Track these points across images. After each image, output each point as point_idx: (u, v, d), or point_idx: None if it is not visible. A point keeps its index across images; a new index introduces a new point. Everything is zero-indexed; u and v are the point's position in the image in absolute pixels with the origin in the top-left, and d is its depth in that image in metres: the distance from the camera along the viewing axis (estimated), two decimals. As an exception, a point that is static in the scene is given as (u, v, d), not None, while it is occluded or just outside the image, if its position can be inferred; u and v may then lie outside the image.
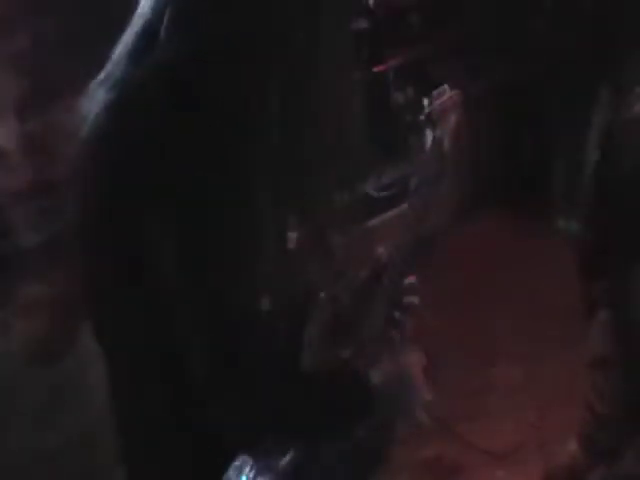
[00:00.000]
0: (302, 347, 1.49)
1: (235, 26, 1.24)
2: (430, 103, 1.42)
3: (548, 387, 3.52)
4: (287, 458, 1.49)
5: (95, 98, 1.31)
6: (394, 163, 4.14)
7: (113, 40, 1.35)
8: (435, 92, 1.42)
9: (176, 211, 1.23)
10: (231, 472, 1.42)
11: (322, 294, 1.54)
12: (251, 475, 1.45)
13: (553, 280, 4.15)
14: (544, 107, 4.62)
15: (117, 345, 1.41)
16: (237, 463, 1.43)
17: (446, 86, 1.44)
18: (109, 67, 1.33)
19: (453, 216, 4.82)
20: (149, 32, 1.29)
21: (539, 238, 4.62)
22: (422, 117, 1.42)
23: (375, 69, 3.85)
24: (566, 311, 3.81)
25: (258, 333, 1.31)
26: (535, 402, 3.50)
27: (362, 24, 3.78)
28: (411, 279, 1.65)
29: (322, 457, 1.54)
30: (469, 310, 4.16)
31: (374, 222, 3.98)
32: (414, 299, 1.65)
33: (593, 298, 2.49)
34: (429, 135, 1.42)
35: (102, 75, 1.33)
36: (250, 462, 1.45)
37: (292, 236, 1.43)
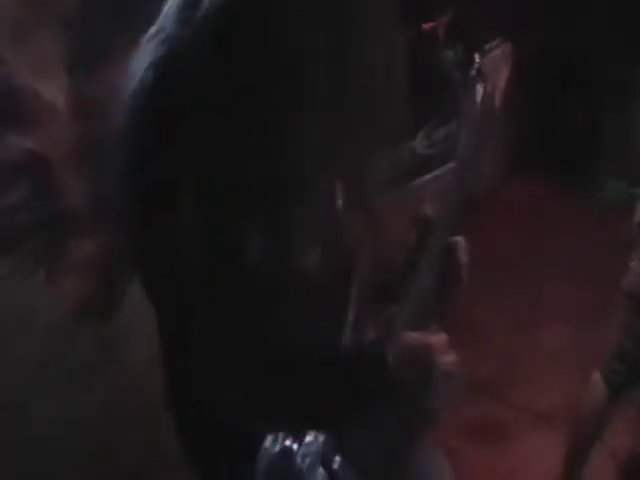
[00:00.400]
0: (344, 311, 1.48)
1: None
2: (482, 56, 1.41)
3: (593, 350, 3.50)
4: None
5: (144, 53, 1.31)
6: (443, 120, 4.11)
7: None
8: (487, 46, 1.41)
9: (218, 169, 1.23)
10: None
11: (366, 255, 1.53)
12: (287, 442, 1.47)
13: (599, 244, 4.13)
14: (593, 73, 4.57)
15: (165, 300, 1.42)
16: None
17: (497, 41, 1.42)
18: (159, 22, 1.32)
19: (501, 176, 4.79)
20: None
21: (582, 203, 4.59)
22: (473, 72, 1.41)
23: (424, 26, 3.82)
24: (611, 275, 3.79)
25: (305, 294, 1.32)
26: (580, 365, 3.48)
27: (411, -18, 3.75)
28: (459, 239, 1.63)
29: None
30: (514, 273, 4.14)
31: (422, 180, 3.98)
32: (462, 259, 1.63)
33: (632, 235, 2.51)
34: (480, 90, 1.41)
35: (152, 30, 1.32)
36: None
37: (338, 195, 1.42)
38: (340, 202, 1.44)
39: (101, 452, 2.96)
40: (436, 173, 3.79)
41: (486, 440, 3.29)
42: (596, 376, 2.72)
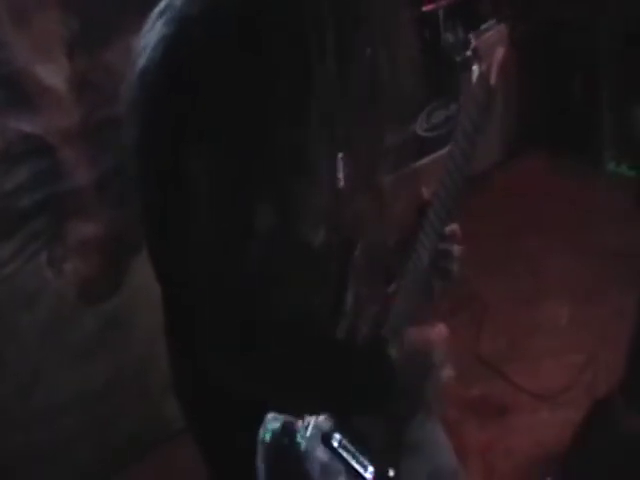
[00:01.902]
0: (347, 282, 1.50)
1: None
2: (477, 37, 1.41)
3: (594, 329, 3.51)
4: None
5: (153, 30, 1.30)
6: (444, 103, 4.11)
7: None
8: (482, 26, 1.41)
9: (227, 144, 1.24)
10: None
11: (366, 234, 1.54)
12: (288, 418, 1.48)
13: (601, 222, 4.13)
14: (596, 45, 4.55)
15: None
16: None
17: (493, 20, 1.42)
18: (165, 1, 1.32)
19: (501, 154, 4.79)
20: None
21: (585, 180, 4.59)
22: (469, 52, 1.41)
23: (425, 8, 3.82)
24: (613, 253, 3.80)
25: (311, 267, 1.33)
26: (581, 344, 3.50)
27: (412, -36, 3.75)
28: (454, 227, 1.63)
29: None
30: (516, 250, 4.15)
31: (423, 162, 3.98)
32: (455, 248, 1.64)
33: None
34: (475, 70, 1.41)
35: (161, 5, 1.32)
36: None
37: (342, 173, 1.43)
38: (344, 180, 1.45)
39: (106, 426, 2.99)
40: (436, 156, 3.80)
41: (485, 416, 3.30)
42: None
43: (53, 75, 2.64)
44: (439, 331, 1.49)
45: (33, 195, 2.68)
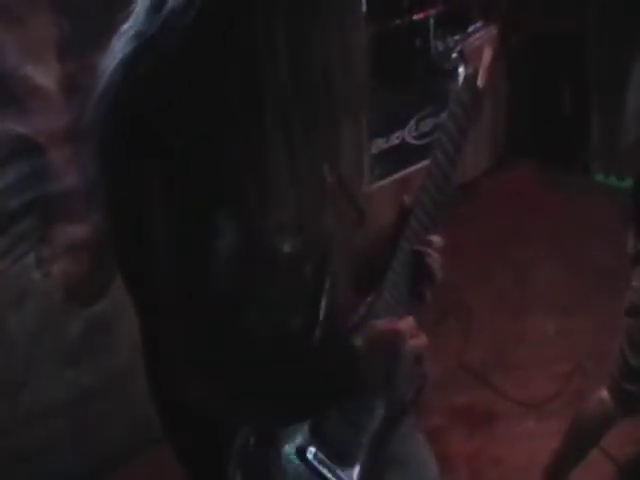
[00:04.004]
0: (321, 292, 1.49)
1: None
2: (463, 40, 1.42)
3: (580, 339, 3.53)
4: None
5: (114, 50, 1.31)
6: (433, 111, 4.13)
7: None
8: (469, 29, 1.42)
9: (184, 160, 1.24)
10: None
11: (342, 243, 1.53)
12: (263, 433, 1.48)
13: (587, 233, 4.15)
14: (583, 57, 4.57)
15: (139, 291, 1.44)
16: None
17: (479, 24, 1.43)
18: (129, 20, 1.33)
19: (489, 163, 4.81)
20: None
21: (573, 191, 4.61)
22: (454, 55, 1.41)
23: (415, 17, 3.84)
24: (600, 264, 3.81)
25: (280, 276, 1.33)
26: (568, 354, 3.51)
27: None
28: (435, 237, 1.62)
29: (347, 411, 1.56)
30: (503, 260, 4.16)
31: (412, 169, 4.00)
32: (436, 256, 1.63)
33: (638, 250, 2.45)
34: (462, 72, 1.42)
35: (123, 28, 1.33)
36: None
37: (319, 181, 1.43)
38: (322, 188, 1.45)
39: (92, 430, 2.98)
40: (425, 163, 3.80)
41: (472, 425, 3.31)
42: (604, 395, 2.63)
43: (43, 76, 2.64)
44: (407, 321, 1.48)
45: (21, 196, 2.68)
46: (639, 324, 2.48)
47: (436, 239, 1.60)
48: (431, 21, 3.90)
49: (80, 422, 2.95)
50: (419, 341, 1.45)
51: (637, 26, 3.80)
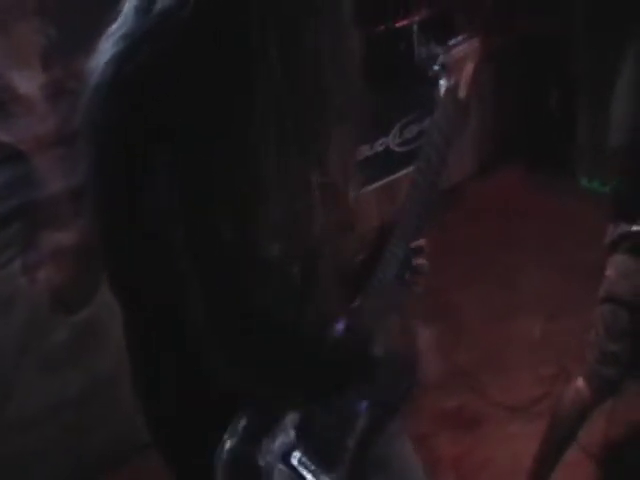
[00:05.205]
0: (309, 299, 1.50)
1: None
2: (445, 52, 1.42)
3: (566, 342, 3.53)
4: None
5: (103, 50, 1.32)
6: (417, 117, 4.13)
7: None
8: (451, 41, 1.42)
9: (181, 156, 1.25)
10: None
11: (330, 246, 1.53)
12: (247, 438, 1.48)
13: (574, 236, 4.16)
14: (571, 61, 4.58)
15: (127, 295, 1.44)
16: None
17: (462, 35, 1.44)
18: (118, 20, 1.34)
19: (476, 167, 4.82)
20: None
21: (560, 194, 4.62)
22: (437, 67, 1.42)
23: (398, 24, 3.85)
24: (586, 268, 3.82)
25: (266, 279, 1.34)
26: (554, 357, 3.52)
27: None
28: (420, 242, 1.64)
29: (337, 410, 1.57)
30: (490, 263, 4.17)
31: (396, 176, 4.00)
32: (422, 262, 1.64)
33: (612, 240, 2.52)
34: (444, 84, 1.42)
35: (112, 28, 1.33)
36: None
37: (308, 184, 1.43)
38: (311, 192, 1.45)
39: (79, 438, 2.97)
40: (409, 170, 3.80)
41: (459, 428, 3.32)
42: (579, 383, 2.67)
43: (28, 83, 2.63)
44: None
45: (7, 203, 2.67)
46: (614, 311, 2.54)
47: (422, 244, 1.63)
48: (415, 27, 3.91)
49: (67, 428, 2.94)
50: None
51: (624, 29, 3.79)
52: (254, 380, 1.42)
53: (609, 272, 2.57)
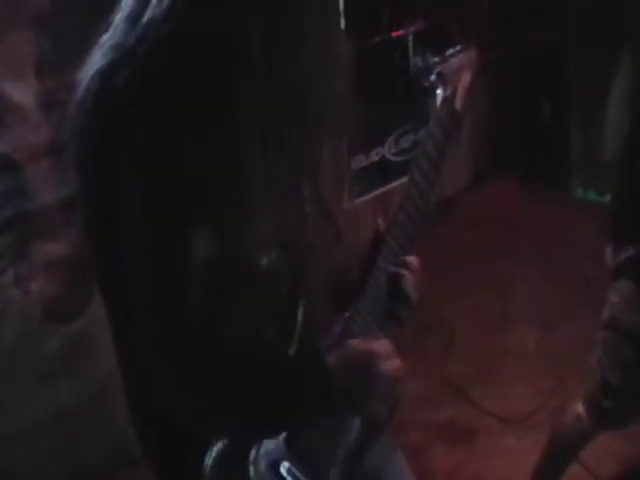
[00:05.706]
0: (297, 308, 1.49)
1: None
2: (442, 62, 1.42)
3: (562, 354, 3.53)
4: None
5: (92, 62, 1.31)
6: (412, 128, 4.14)
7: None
8: (448, 52, 1.42)
9: (157, 173, 1.24)
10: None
11: (319, 259, 1.52)
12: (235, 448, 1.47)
13: (569, 248, 4.16)
14: (565, 73, 4.60)
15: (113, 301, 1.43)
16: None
17: (459, 46, 1.43)
18: (108, 32, 1.34)
19: (470, 179, 4.83)
20: None
21: (554, 205, 4.63)
22: (433, 77, 1.42)
23: (394, 34, 3.85)
24: (582, 279, 3.82)
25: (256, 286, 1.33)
26: (549, 369, 3.51)
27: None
28: (411, 258, 1.61)
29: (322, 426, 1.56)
30: (485, 275, 4.17)
31: (391, 186, 4.00)
32: (412, 276, 1.62)
33: (617, 265, 2.44)
34: (440, 94, 1.42)
35: (102, 40, 1.33)
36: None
37: (298, 196, 1.43)
38: (301, 203, 1.44)
39: (70, 450, 2.96)
40: (404, 180, 3.81)
41: (453, 440, 3.31)
42: (579, 410, 2.60)
43: (22, 93, 2.63)
44: (382, 343, 1.47)
45: (0, 213, 2.67)
46: (618, 339, 2.46)
47: (413, 260, 1.60)
48: (410, 38, 3.92)
49: (59, 439, 2.93)
50: (393, 364, 1.44)
51: (617, 42, 3.83)
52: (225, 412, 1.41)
53: (613, 298, 2.47)
